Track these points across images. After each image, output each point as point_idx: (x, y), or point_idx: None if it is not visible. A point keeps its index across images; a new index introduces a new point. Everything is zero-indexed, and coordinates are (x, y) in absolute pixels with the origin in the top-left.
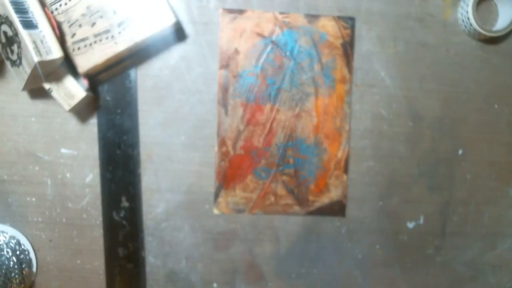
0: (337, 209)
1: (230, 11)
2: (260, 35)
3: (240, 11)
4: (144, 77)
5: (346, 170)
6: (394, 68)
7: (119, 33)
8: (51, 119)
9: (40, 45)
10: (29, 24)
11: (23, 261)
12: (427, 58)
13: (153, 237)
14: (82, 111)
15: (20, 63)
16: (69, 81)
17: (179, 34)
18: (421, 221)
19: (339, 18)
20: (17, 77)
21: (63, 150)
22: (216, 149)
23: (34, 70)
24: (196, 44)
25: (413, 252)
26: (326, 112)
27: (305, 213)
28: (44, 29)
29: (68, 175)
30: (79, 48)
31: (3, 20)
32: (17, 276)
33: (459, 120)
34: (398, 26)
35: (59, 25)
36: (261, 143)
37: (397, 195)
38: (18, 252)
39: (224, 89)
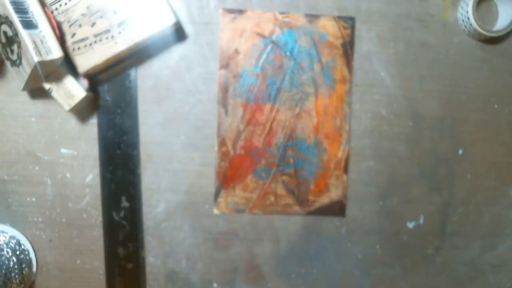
0: (337, 209)
1: (230, 11)
2: (260, 35)
3: (240, 11)
4: (144, 77)
5: (346, 170)
6: (394, 68)
7: (119, 33)
8: (51, 119)
9: (40, 45)
10: (29, 24)
11: (23, 261)
12: (427, 58)
13: (153, 237)
14: (82, 111)
15: (20, 63)
16: (69, 81)
17: (179, 34)
18: (421, 221)
19: (339, 18)
20: (17, 77)
21: (63, 150)
22: (216, 149)
23: (34, 70)
24: (196, 44)
25: (413, 252)
26: (326, 112)
27: (305, 213)
28: (44, 29)
29: (68, 175)
30: (79, 48)
31: (3, 20)
32: (17, 276)
33: (459, 120)
34: (398, 26)
35: (59, 25)
36: (261, 143)
37: (397, 195)
38: (18, 252)
39: (224, 89)
